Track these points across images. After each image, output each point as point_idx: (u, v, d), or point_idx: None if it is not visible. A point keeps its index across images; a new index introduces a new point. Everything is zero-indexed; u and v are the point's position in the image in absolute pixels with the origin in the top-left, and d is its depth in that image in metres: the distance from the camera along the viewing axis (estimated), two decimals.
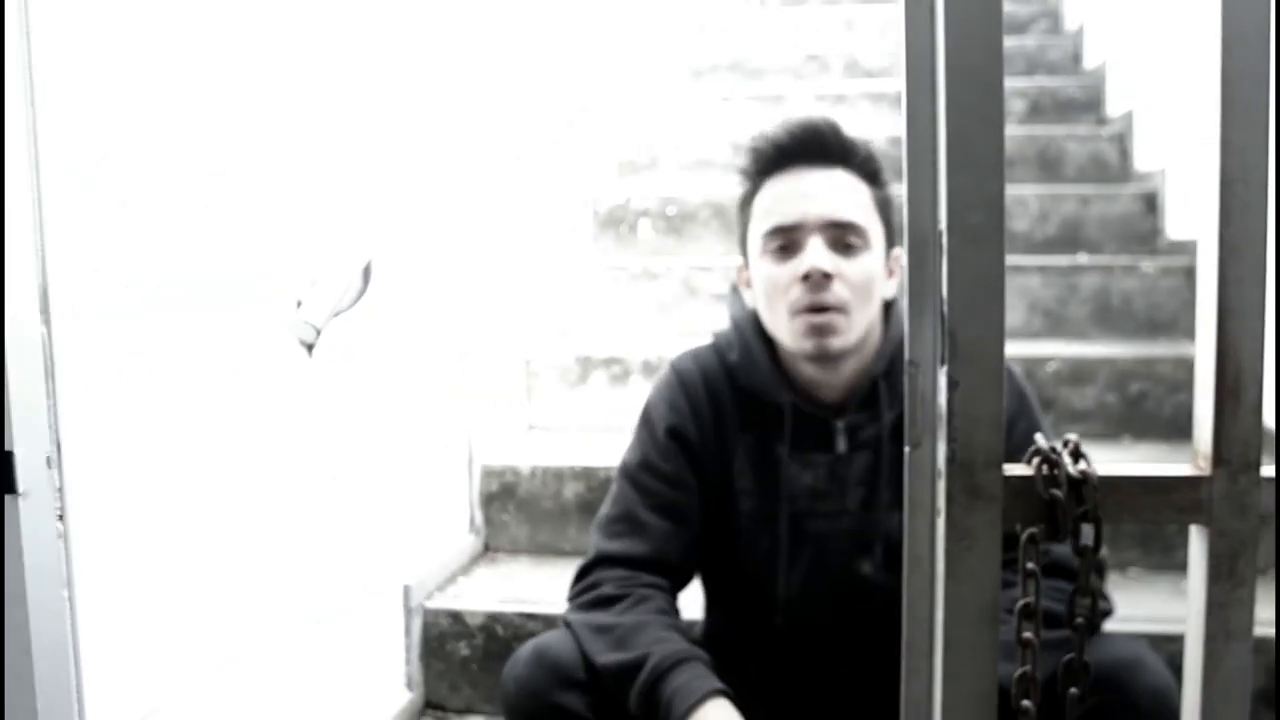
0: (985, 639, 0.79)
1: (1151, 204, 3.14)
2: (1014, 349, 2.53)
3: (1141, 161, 3.34)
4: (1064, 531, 0.79)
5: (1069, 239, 3.14)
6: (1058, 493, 0.78)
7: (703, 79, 4.33)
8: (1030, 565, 0.83)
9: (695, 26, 4.62)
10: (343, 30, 1.77)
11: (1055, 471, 0.79)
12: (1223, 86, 0.76)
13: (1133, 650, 1.38)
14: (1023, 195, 3.21)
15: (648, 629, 1.38)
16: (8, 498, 0.96)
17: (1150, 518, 0.82)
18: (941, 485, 0.79)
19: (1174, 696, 1.32)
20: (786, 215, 1.43)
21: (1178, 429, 2.43)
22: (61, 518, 1.01)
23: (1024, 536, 0.81)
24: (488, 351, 2.50)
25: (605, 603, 1.42)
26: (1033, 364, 2.50)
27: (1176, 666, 1.88)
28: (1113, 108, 3.67)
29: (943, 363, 0.78)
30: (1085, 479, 0.79)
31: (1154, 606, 1.99)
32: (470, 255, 2.39)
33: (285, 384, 1.59)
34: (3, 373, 0.94)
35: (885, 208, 1.46)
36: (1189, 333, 2.32)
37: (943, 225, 0.79)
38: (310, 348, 1.60)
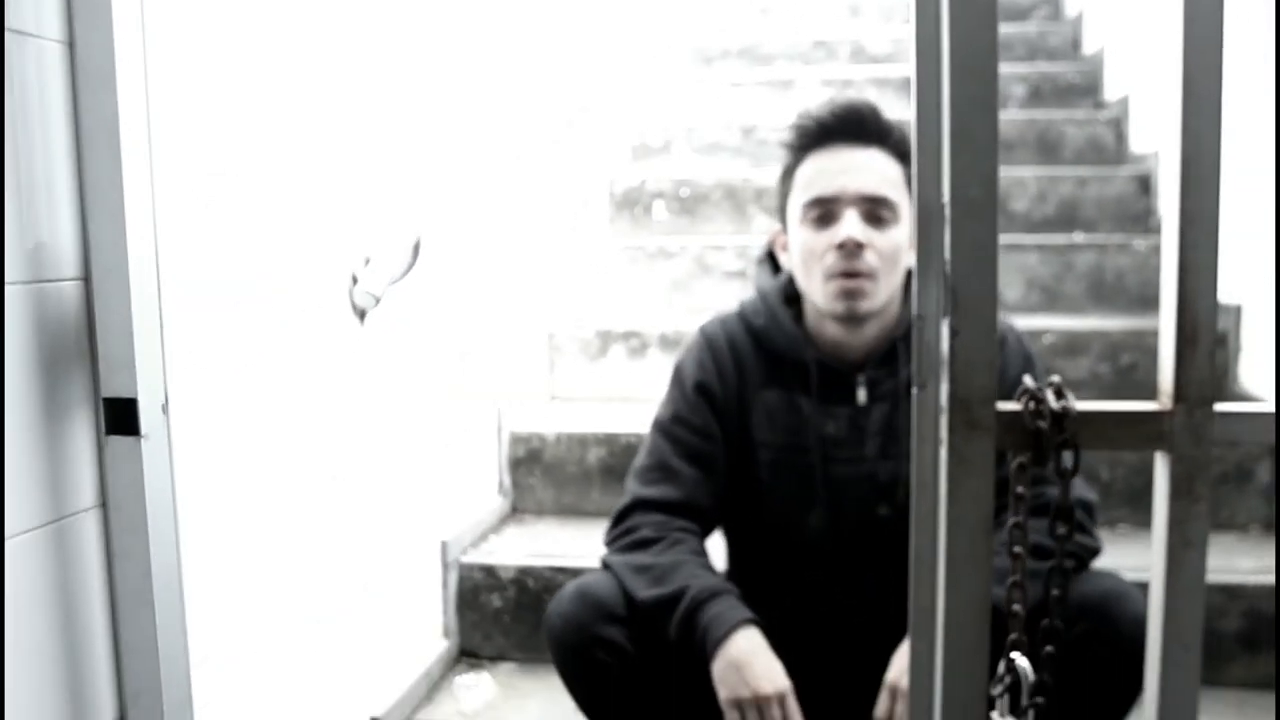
0: (981, 550, 0.93)
1: (1145, 185, 3.28)
2: (1013, 321, 2.68)
3: (1137, 144, 3.48)
4: (1047, 457, 0.93)
5: (1066, 218, 3.28)
6: (1042, 424, 0.92)
7: (713, 65, 4.45)
8: (1020, 489, 0.97)
9: (706, 13, 4.75)
10: (377, 26, 1.90)
11: (1040, 406, 0.92)
12: (1183, 81, 0.89)
13: (1118, 584, 1.53)
14: (1022, 177, 3.34)
15: (684, 567, 1.53)
16: (130, 440, 1.11)
17: (1120, 445, 0.97)
18: (944, 419, 0.92)
19: None
20: (826, 188, 1.57)
21: None
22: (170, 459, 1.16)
23: (1014, 463, 0.96)
24: (513, 326, 2.64)
25: (643, 544, 1.57)
26: (1030, 336, 2.64)
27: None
28: (1110, 92, 3.80)
29: (945, 315, 0.91)
30: (1065, 413, 0.92)
31: (1141, 558, 2.13)
32: (496, 236, 2.52)
33: (341, 350, 1.73)
34: (130, 327, 1.08)
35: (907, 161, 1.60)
36: None
37: (946, 199, 0.92)
38: (363, 315, 1.75)
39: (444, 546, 2.16)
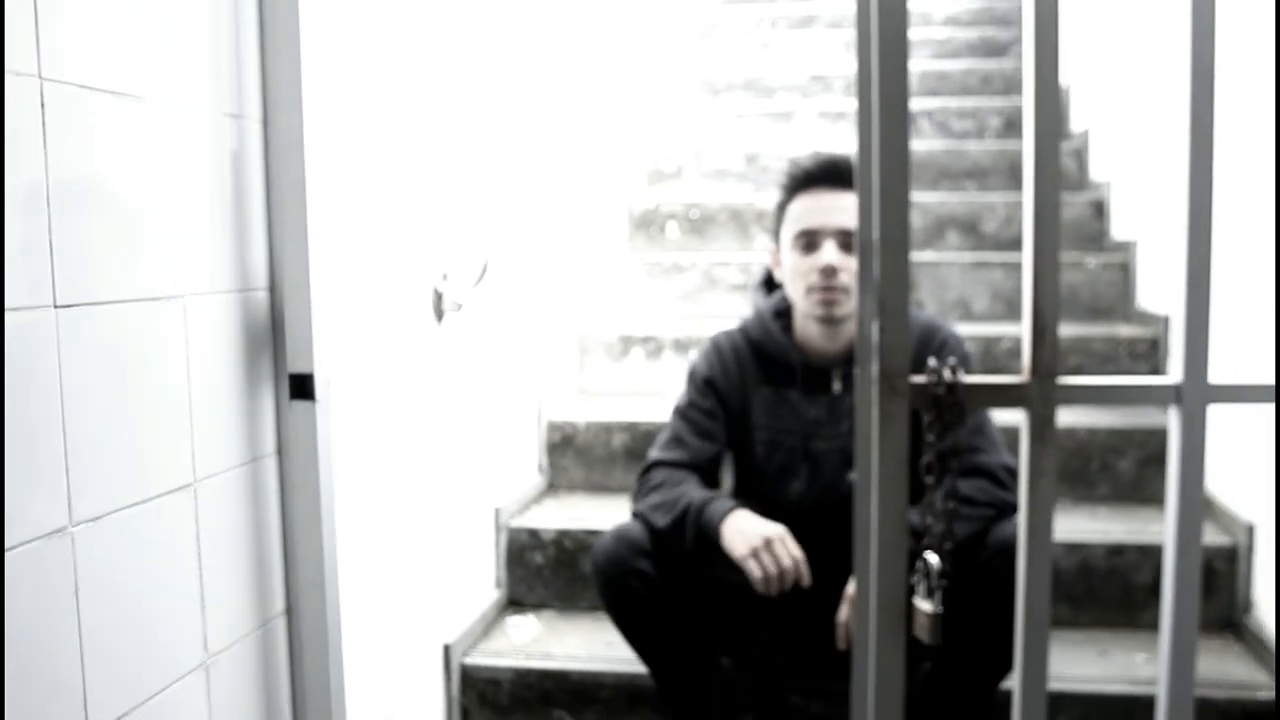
0: (899, 478, 1.36)
1: (1100, 209, 3.72)
2: (979, 329, 3.13)
3: (1095, 172, 3.92)
4: (945, 414, 1.37)
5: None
6: (940, 391, 1.36)
7: (720, 96, 4.89)
8: (930, 437, 1.41)
9: (714, 48, 5.20)
10: (447, 94, 2.34)
11: (940, 379, 1.37)
12: (1034, 121, 1.33)
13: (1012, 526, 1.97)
14: (992, 202, 3.79)
15: (684, 493, 2.00)
16: (308, 404, 1.55)
17: (995, 405, 1.41)
18: (875, 389, 1.36)
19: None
20: (811, 223, 2.05)
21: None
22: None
23: (925, 420, 1.40)
24: (549, 330, 3.08)
25: (656, 489, 2.03)
26: (990, 341, 3.09)
27: (1086, 567, 2.50)
28: (1075, 124, 4.24)
29: (875, 318, 1.35)
30: (957, 384, 1.37)
31: (1073, 524, 2.57)
32: (534, 252, 2.97)
33: (423, 344, 2.17)
34: (309, 322, 1.53)
35: None
36: (1123, 316, 2.99)
37: (875, 237, 1.36)
38: (440, 315, 2.20)
39: (496, 513, 2.61)
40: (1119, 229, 3.61)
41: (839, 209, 2.03)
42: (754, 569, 1.91)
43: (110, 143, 1.25)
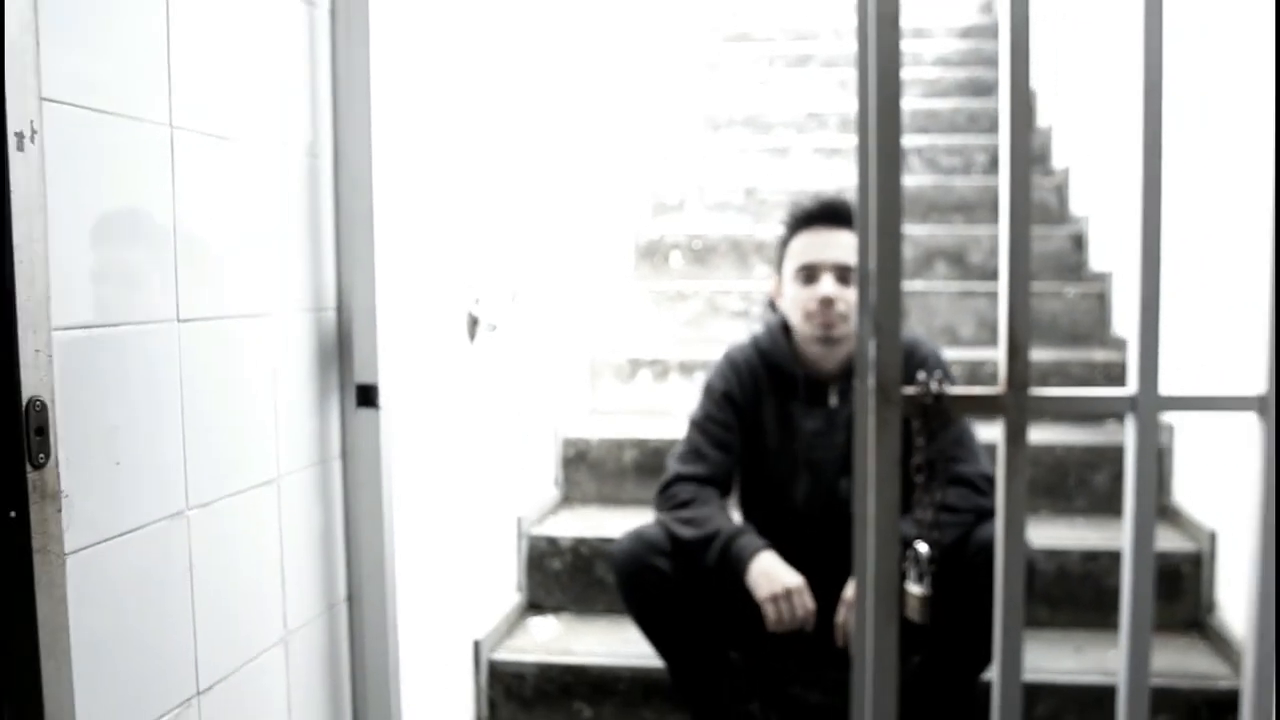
0: (893, 476, 1.57)
1: (1079, 242, 3.95)
2: (964, 354, 3.34)
3: (1076, 207, 4.15)
4: (933, 421, 1.58)
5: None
6: (928, 401, 1.57)
7: (720, 132, 5.12)
8: (919, 441, 1.62)
9: (715, 86, 5.43)
10: (473, 130, 2.55)
11: (928, 389, 1.58)
12: (1010, 149, 1.54)
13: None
14: (978, 235, 4.01)
15: (715, 516, 2.20)
16: (372, 411, 1.76)
17: (975, 413, 1.62)
18: (872, 399, 1.57)
19: None
20: (811, 258, 2.27)
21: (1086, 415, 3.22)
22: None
23: (915, 426, 1.60)
24: (564, 353, 3.29)
25: (684, 504, 2.24)
26: (976, 365, 3.30)
27: (1064, 572, 2.69)
28: (1057, 162, 4.48)
29: (872, 337, 1.56)
30: (943, 394, 1.58)
31: (1053, 532, 2.78)
32: (549, 280, 3.17)
33: (456, 361, 2.37)
34: (374, 338, 1.73)
35: None
36: (1100, 342, 3.24)
37: (872, 268, 1.57)
38: (473, 335, 2.40)
39: (519, 521, 2.81)
40: (1096, 260, 3.84)
41: (836, 245, 2.25)
42: (770, 612, 2.14)
43: (217, 181, 1.46)
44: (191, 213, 1.39)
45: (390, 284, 1.91)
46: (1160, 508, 2.96)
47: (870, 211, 1.59)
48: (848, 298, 2.24)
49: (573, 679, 2.52)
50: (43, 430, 1.04)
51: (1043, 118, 4.81)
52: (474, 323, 2.39)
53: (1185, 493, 2.85)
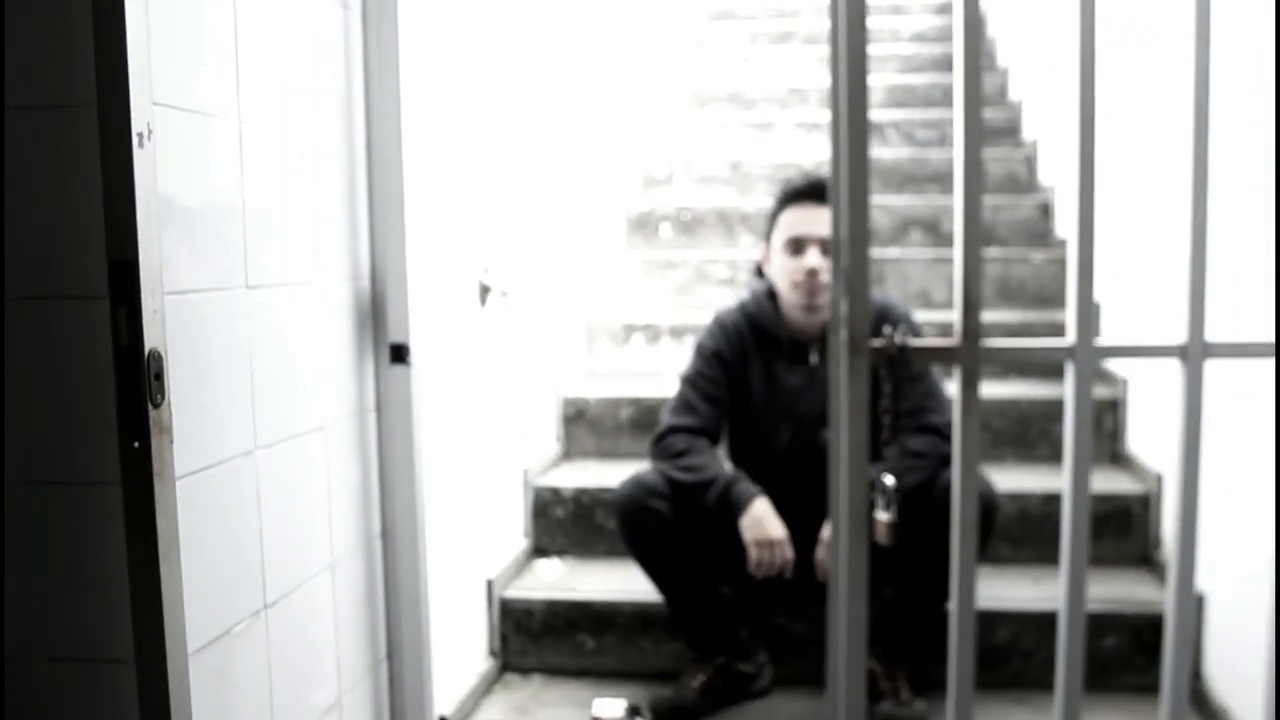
0: (862, 420, 1.81)
1: (1047, 210, 4.19)
2: (937, 316, 3.57)
3: (1043, 177, 4.38)
4: (897, 369, 1.82)
5: (985, 237, 4.17)
6: (893, 352, 1.81)
7: (706, 108, 5.32)
8: (886, 388, 1.86)
9: (701, 63, 5.63)
10: (486, 113, 2.76)
11: (892, 342, 1.81)
12: (963, 157, 1.78)
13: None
14: (951, 205, 4.24)
15: (711, 463, 2.45)
16: (404, 368, 1.99)
17: (934, 362, 1.85)
18: (844, 350, 1.81)
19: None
20: (797, 231, 2.52)
21: (1042, 368, 3.45)
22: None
23: (882, 374, 1.84)
24: (562, 318, 3.52)
25: (679, 453, 2.48)
26: (946, 326, 3.54)
27: (1025, 514, 2.94)
28: (1027, 134, 4.71)
29: (844, 296, 1.80)
30: (905, 346, 1.81)
31: (1016, 479, 3.03)
32: (548, 250, 3.39)
33: (467, 323, 2.59)
34: (405, 303, 1.96)
35: None
36: (1063, 304, 3.48)
37: (844, 235, 1.80)
38: (484, 299, 2.63)
39: (524, 473, 3.05)
40: (1062, 228, 4.08)
41: (822, 220, 2.49)
42: (754, 555, 2.40)
43: (273, 168, 1.68)
44: (255, 194, 1.61)
45: (415, 255, 2.13)
46: (1113, 454, 3.22)
47: (841, 184, 1.81)
48: (829, 268, 2.48)
49: (577, 614, 2.76)
50: (159, 376, 1.26)
51: (1014, 92, 5.04)
52: (484, 290, 2.62)
53: (1137, 440, 3.10)
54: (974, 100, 1.74)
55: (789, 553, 2.39)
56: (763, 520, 2.40)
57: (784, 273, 2.54)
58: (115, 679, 1.39)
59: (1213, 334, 1.74)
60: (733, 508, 2.41)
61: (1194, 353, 1.80)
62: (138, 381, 1.24)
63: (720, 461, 2.52)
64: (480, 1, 2.65)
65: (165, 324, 1.29)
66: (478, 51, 2.63)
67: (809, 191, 2.53)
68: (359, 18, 1.94)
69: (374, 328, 2.00)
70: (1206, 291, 1.76)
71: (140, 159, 1.23)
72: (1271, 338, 1.80)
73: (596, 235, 4.07)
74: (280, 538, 1.69)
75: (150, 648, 1.31)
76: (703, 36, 5.86)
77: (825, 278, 2.50)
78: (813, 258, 2.49)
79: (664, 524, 2.44)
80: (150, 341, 1.25)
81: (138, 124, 1.22)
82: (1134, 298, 3.09)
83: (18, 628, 1.41)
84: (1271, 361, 1.83)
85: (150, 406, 1.25)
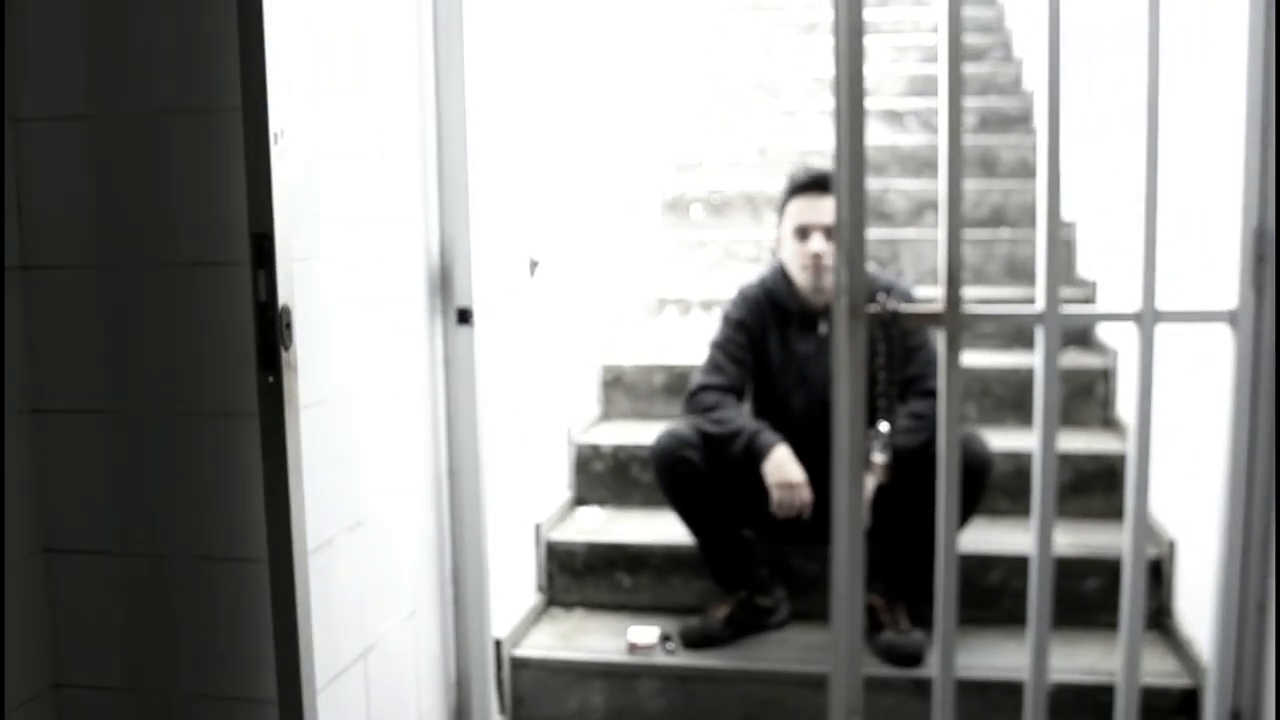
0: (861, 374, 2.11)
1: None
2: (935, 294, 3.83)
3: None
4: (890, 331, 2.13)
5: (996, 219, 4.46)
6: (886, 317, 2.12)
7: (734, 96, 5.61)
8: (882, 347, 2.17)
9: (730, 53, 5.92)
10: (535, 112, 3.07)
11: (884, 308, 2.12)
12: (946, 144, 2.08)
13: (969, 433, 2.71)
14: (964, 189, 4.52)
15: (738, 416, 2.78)
16: (468, 329, 2.31)
17: (923, 325, 2.16)
18: (845, 315, 2.11)
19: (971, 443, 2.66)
20: (803, 219, 2.84)
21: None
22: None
23: (877, 335, 2.15)
24: (602, 293, 3.84)
25: (709, 408, 2.80)
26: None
27: (1019, 470, 3.22)
28: (1037, 119, 4.97)
29: (845, 270, 2.10)
30: (898, 312, 2.12)
31: (1015, 439, 3.33)
32: (589, 229, 3.71)
33: (514, 297, 2.91)
34: (469, 271, 2.28)
35: None
36: (1066, 282, 3.80)
37: (845, 216, 2.10)
38: (534, 271, 2.95)
39: (568, 431, 3.38)
40: (1066, 210, 4.35)
41: (826, 209, 2.79)
42: (775, 496, 2.72)
43: (373, 161, 2.01)
44: (355, 182, 1.94)
45: (477, 231, 2.46)
46: (1105, 419, 3.51)
47: (842, 173, 2.11)
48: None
49: (615, 555, 3.09)
50: (289, 326, 1.59)
51: (1028, 82, 5.30)
52: (533, 265, 2.94)
53: (1126, 406, 3.39)
54: (956, 96, 2.05)
55: (807, 495, 2.71)
56: (783, 465, 2.71)
57: (794, 257, 2.86)
58: (248, 575, 1.73)
59: (1181, 304, 2.06)
60: (756, 455, 2.73)
61: (1146, 318, 2.10)
62: (273, 329, 1.57)
63: (745, 415, 2.84)
64: (530, 9, 2.97)
65: (293, 284, 1.62)
66: (528, 52, 2.95)
67: (812, 183, 2.84)
68: (430, 29, 2.26)
69: (443, 294, 2.33)
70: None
71: (275, 153, 1.55)
72: (1221, 305, 2.10)
73: (634, 216, 4.39)
74: (369, 467, 2.03)
75: (280, 548, 1.64)
76: (732, 26, 6.14)
77: (829, 260, 2.80)
78: (817, 243, 2.81)
79: (696, 472, 2.77)
80: (282, 298, 1.58)
81: (274, 125, 1.55)
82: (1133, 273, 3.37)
83: (171, 532, 1.76)
84: (1223, 326, 2.13)
85: (282, 349, 1.58)
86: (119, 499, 1.81)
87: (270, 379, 1.58)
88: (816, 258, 2.81)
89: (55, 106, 1.74)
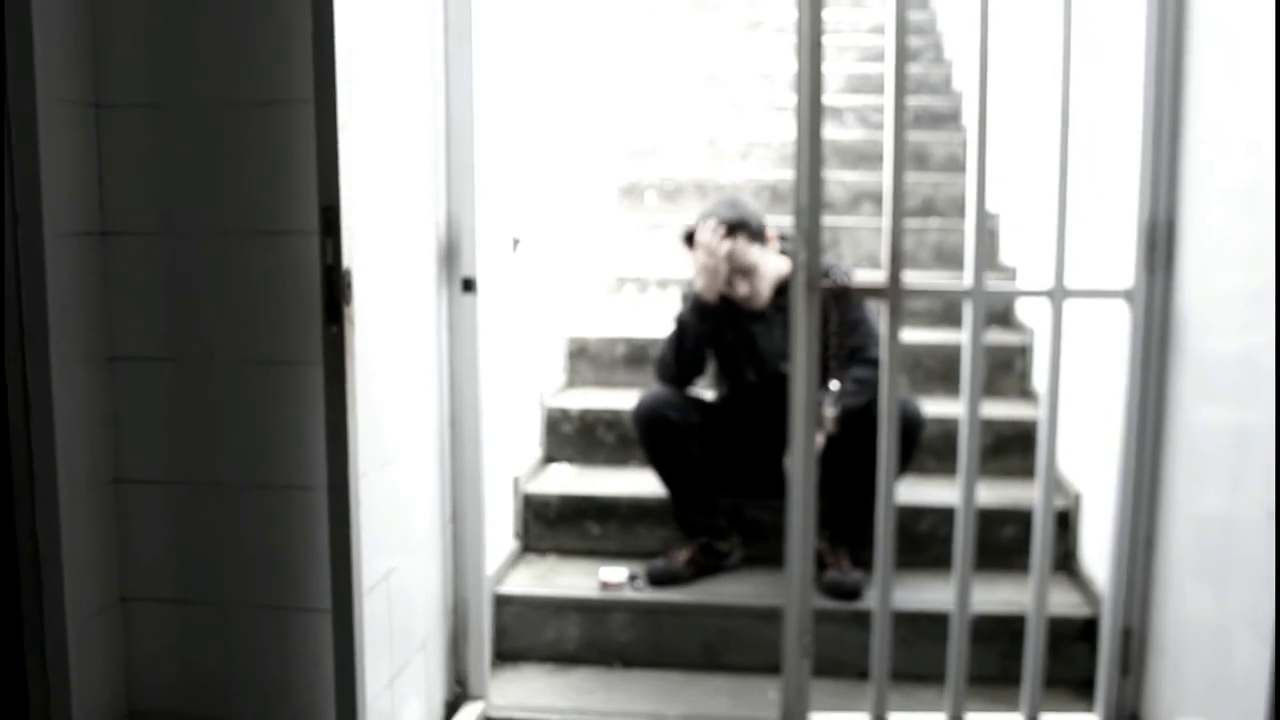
0: (814, 340, 2.46)
1: None
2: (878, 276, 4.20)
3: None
4: (842, 304, 2.48)
5: (927, 209, 4.84)
6: (837, 291, 2.46)
7: (686, 89, 5.94)
8: (834, 318, 2.51)
9: (681, 47, 6.24)
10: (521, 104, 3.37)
11: (835, 283, 2.47)
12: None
13: (906, 395, 3.08)
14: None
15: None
16: (471, 296, 2.62)
17: (869, 298, 2.51)
18: (802, 290, 2.46)
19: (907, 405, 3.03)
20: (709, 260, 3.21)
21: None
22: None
23: (831, 307, 2.50)
24: (567, 271, 4.16)
25: (661, 359, 3.16)
26: None
27: (946, 434, 3.63)
28: (966, 119, 5.37)
29: (801, 252, 2.45)
30: (847, 286, 2.47)
31: (944, 408, 3.71)
32: (554, 213, 4.02)
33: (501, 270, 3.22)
34: (475, 244, 2.59)
35: (760, 237, 3.17)
36: (991, 268, 4.22)
37: (804, 203, 2.44)
38: (516, 247, 3.26)
39: (540, 396, 3.70)
40: (992, 202, 4.75)
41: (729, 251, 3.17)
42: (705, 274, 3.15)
43: (400, 146, 2.30)
44: (387, 163, 2.24)
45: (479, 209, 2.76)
46: (1022, 390, 3.91)
47: (803, 162, 2.44)
48: (748, 283, 3.17)
49: (586, 505, 3.42)
50: (350, 285, 1.90)
51: (957, 83, 5.70)
52: (516, 242, 3.25)
53: (1041, 380, 3.78)
54: (900, 96, 2.40)
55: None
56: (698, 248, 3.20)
57: (710, 291, 3.22)
58: (302, 500, 2.04)
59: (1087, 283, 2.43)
60: (690, 302, 3.23)
61: (1057, 295, 2.48)
62: (337, 288, 1.88)
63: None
64: (515, 10, 3.28)
65: (353, 250, 1.92)
66: (510, 45, 3.25)
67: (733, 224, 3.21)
68: (442, 33, 2.56)
69: (449, 264, 2.63)
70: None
71: (342, 139, 1.85)
72: (1119, 285, 2.48)
73: (592, 200, 4.70)
74: (393, 413, 2.33)
75: (338, 477, 1.94)
76: (683, 22, 6.46)
77: (744, 290, 3.18)
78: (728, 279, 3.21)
79: (674, 429, 3.11)
80: (345, 261, 1.88)
81: (341, 115, 1.85)
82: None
83: (235, 466, 2.06)
84: (1120, 302, 2.51)
85: (344, 305, 1.89)
86: (183, 435, 2.10)
87: (335, 330, 1.89)
88: (730, 284, 3.19)
89: (132, 95, 2.03)
